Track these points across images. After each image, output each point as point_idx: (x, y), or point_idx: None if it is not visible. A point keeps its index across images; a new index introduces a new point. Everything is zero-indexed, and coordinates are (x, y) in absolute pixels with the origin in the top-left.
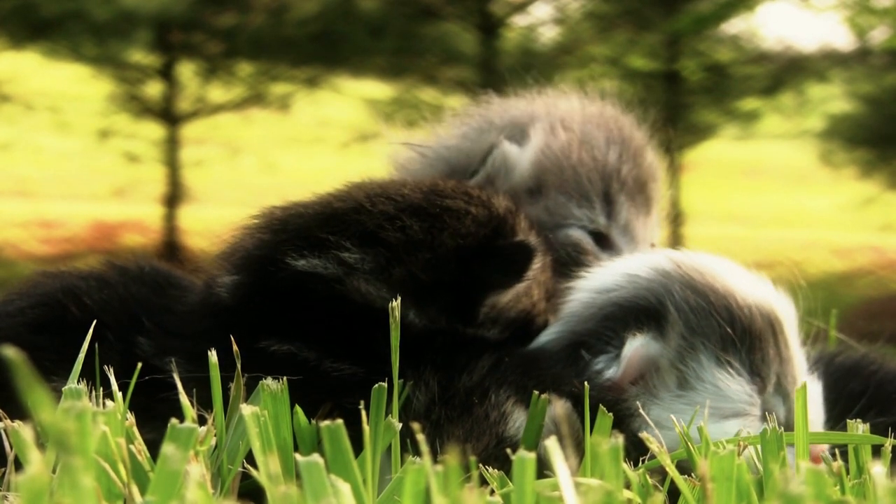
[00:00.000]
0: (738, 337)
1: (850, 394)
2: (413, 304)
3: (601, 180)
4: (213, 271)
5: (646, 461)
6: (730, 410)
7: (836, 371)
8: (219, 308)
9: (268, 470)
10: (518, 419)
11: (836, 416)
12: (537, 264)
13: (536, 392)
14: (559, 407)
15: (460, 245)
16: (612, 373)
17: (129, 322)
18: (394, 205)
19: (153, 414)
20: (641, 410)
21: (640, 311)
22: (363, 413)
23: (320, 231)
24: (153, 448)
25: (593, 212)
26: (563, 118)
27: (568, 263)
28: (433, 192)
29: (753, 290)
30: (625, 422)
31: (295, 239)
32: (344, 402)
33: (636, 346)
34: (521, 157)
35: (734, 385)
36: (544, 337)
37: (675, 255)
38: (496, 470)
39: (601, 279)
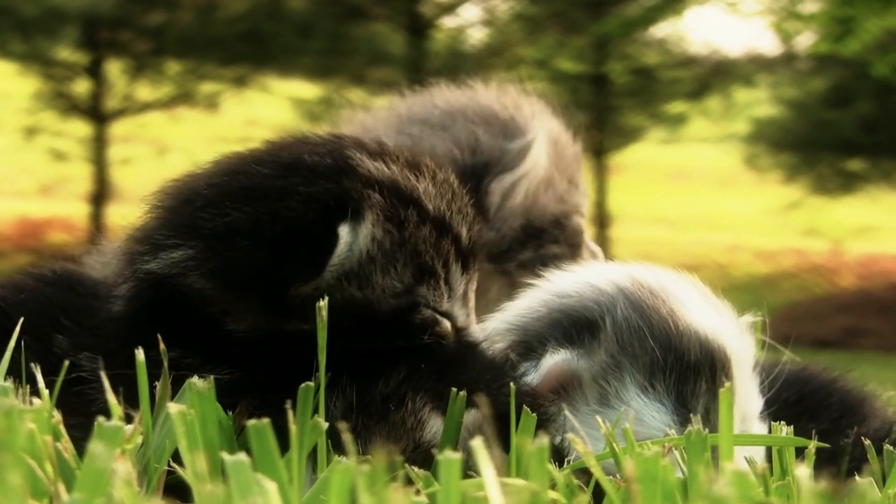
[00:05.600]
0: (669, 364)
1: (785, 403)
2: (233, 295)
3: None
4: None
5: (571, 462)
6: (642, 436)
7: (773, 381)
8: (117, 320)
9: (194, 468)
10: (434, 425)
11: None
12: (342, 255)
13: (454, 390)
14: (470, 415)
15: (276, 230)
16: (531, 380)
17: (47, 322)
18: (222, 189)
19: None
20: (567, 414)
21: (581, 322)
22: (289, 412)
23: (156, 232)
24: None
25: (584, 199)
26: (536, 111)
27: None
28: (281, 164)
29: (705, 321)
30: (542, 426)
31: (140, 246)
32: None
33: (555, 360)
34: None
35: (652, 412)
36: (496, 324)
37: (639, 271)
38: (422, 470)
39: (563, 282)
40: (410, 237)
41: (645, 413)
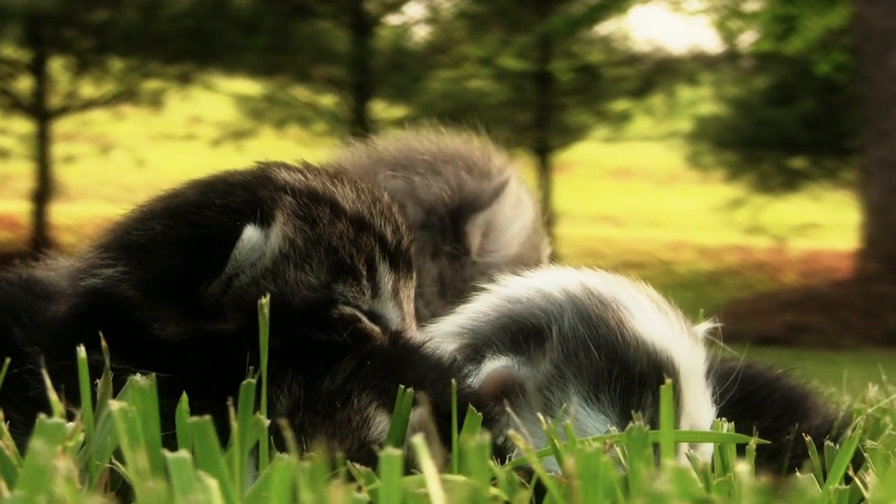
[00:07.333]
0: (614, 376)
1: (730, 401)
2: (156, 301)
3: None
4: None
5: (512, 458)
6: None
7: (719, 380)
8: (62, 323)
9: (136, 465)
10: (381, 423)
11: None
12: (246, 251)
13: (402, 387)
14: (416, 414)
15: (192, 237)
16: (474, 383)
17: (9, 316)
18: (151, 210)
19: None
20: (510, 411)
21: (528, 330)
22: (231, 410)
23: (97, 252)
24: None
25: None
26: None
27: None
28: (205, 184)
29: (655, 332)
30: (485, 425)
31: (83, 267)
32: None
33: (495, 366)
34: None
35: (595, 423)
36: (447, 326)
37: (592, 279)
38: (363, 467)
39: (516, 287)
40: (325, 233)
41: (588, 424)
